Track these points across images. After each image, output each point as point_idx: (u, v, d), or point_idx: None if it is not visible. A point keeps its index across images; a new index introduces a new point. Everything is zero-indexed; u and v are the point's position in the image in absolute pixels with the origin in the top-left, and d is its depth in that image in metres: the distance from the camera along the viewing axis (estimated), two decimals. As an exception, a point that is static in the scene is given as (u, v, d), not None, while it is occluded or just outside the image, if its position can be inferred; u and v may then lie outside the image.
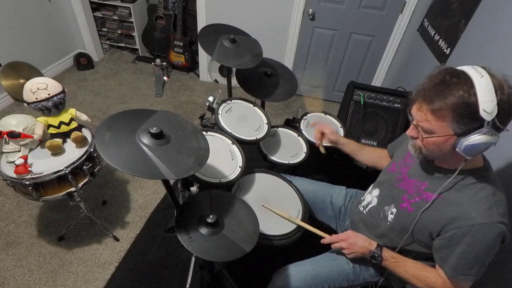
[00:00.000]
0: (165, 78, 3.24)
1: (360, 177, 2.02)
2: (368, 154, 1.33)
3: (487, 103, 0.71)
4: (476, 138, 0.74)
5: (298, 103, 3.14)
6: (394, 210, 1.01)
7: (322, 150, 1.39)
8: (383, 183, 1.12)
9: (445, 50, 1.84)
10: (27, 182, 1.29)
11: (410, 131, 0.89)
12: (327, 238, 1.09)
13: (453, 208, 0.86)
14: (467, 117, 0.74)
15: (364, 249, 1.02)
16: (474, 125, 0.74)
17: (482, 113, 0.71)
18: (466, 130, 0.76)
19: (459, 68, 0.79)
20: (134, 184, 2.15)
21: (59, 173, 1.33)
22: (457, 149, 0.79)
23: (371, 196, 1.15)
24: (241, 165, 1.24)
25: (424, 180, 0.95)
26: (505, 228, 0.80)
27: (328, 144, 1.39)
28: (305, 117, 1.71)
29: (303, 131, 1.61)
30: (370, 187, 1.20)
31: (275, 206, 1.19)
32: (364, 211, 1.16)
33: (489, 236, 0.80)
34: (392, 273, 1.01)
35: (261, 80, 1.59)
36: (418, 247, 0.98)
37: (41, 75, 1.57)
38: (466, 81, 0.74)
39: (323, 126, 1.36)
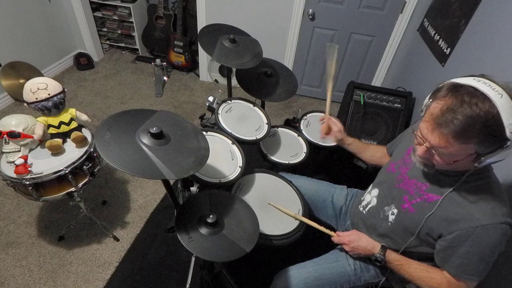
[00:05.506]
0: (165, 78, 3.24)
1: (360, 177, 2.02)
2: (372, 152, 1.32)
3: None
4: (499, 155, 0.73)
5: (298, 103, 3.15)
6: (395, 211, 1.01)
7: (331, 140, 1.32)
8: (383, 183, 1.12)
9: (445, 50, 1.84)
10: (27, 182, 1.29)
11: (423, 153, 0.82)
12: (335, 238, 1.10)
13: (456, 209, 0.85)
14: (493, 139, 0.72)
15: (367, 251, 1.04)
16: (498, 145, 0.72)
17: (508, 135, 0.70)
18: (490, 150, 0.74)
19: (466, 83, 0.73)
20: (134, 184, 2.15)
21: (59, 173, 1.33)
22: (475, 164, 0.77)
23: (370, 196, 1.15)
24: (241, 165, 1.24)
25: (424, 181, 0.95)
26: (508, 228, 0.80)
27: (333, 143, 1.37)
28: (305, 117, 1.71)
29: (303, 131, 1.61)
30: (370, 187, 1.20)
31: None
32: (364, 211, 1.15)
33: (494, 237, 0.80)
34: (393, 273, 1.01)
35: (261, 80, 1.59)
36: (421, 247, 0.97)
37: (41, 75, 1.57)
38: (484, 101, 0.69)
39: (334, 123, 1.32)
